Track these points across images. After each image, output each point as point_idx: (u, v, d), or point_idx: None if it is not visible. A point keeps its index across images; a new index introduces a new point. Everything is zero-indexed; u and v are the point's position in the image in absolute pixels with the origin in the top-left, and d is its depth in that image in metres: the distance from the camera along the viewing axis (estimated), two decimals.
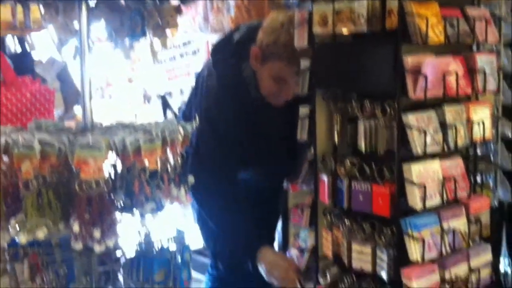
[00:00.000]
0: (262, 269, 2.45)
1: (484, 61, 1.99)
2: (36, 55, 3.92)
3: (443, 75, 1.86)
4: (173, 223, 2.92)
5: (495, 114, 2.34)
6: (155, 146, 1.87)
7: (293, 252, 2.38)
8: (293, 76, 2.39)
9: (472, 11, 1.97)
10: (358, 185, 1.94)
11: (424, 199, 1.83)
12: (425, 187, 1.83)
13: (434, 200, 1.87)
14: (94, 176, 1.79)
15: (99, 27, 2.71)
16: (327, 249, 2.07)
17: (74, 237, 1.81)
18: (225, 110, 2.55)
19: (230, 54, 2.59)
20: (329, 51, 2.03)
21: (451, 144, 1.91)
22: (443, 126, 1.90)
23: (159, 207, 1.92)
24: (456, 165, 1.96)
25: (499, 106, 2.50)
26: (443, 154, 1.93)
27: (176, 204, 1.98)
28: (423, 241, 1.84)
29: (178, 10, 2.71)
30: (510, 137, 2.65)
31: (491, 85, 2.02)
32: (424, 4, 1.84)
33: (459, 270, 1.96)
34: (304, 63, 2.09)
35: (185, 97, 3.03)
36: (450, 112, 1.92)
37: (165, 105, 4.97)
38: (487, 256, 2.07)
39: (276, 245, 3.01)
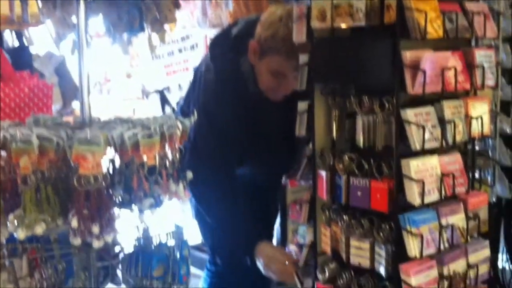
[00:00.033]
0: (260, 263, 2.45)
1: (482, 56, 1.99)
2: (34, 50, 3.91)
3: (441, 70, 1.86)
4: (172, 219, 2.93)
5: (493, 109, 2.34)
6: (153, 141, 1.87)
7: (291, 248, 2.39)
8: (292, 71, 2.38)
9: (470, 6, 1.97)
10: (356, 181, 1.94)
11: (422, 194, 1.83)
12: (423, 183, 1.83)
13: (432, 196, 1.87)
14: (93, 171, 1.79)
15: (97, 22, 2.71)
16: (326, 245, 2.07)
17: (73, 233, 1.81)
18: (223, 105, 2.55)
19: (228, 48, 2.59)
20: (328, 46, 2.03)
21: (450, 140, 1.91)
22: (442, 121, 1.90)
23: (157, 203, 1.92)
24: (454, 161, 1.96)
25: (497, 102, 2.50)
26: (442, 150, 1.93)
27: (174, 199, 1.98)
28: (422, 237, 1.84)
29: (176, 5, 2.71)
30: (509, 132, 2.65)
31: (490, 80, 2.01)
32: None
33: (457, 266, 1.97)
34: (303, 58, 2.09)
35: (184, 92, 3.04)
36: (449, 108, 1.91)
37: (164, 100, 4.97)
38: (485, 252, 2.07)
39: (274, 241, 3.02)
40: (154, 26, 2.71)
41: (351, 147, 2.01)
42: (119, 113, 4.30)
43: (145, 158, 1.88)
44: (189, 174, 2.02)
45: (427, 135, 1.84)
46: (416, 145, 1.83)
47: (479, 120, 1.99)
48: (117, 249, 2.06)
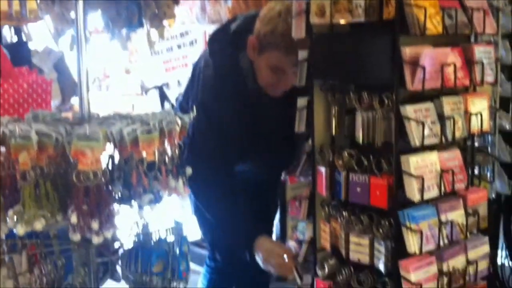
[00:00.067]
0: (259, 258, 2.45)
1: (482, 52, 1.99)
2: (32, 46, 3.91)
3: (441, 66, 1.85)
4: (171, 215, 2.93)
5: (492, 106, 2.34)
6: (152, 137, 1.87)
7: (291, 244, 2.38)
8: (291, 66, 2.38)
9: (470, 2, 1.97)
10: (356, 177, 1.94)
11: (422, 191, 1.83)
12: (423, 179, 1.83)
13: (432, 192, 1.87)
14: (92, 167, 1.78)
15: (96, 18, 2.70)
16: (325, 241, 2.07)
17: (72, 229, 1.80)
18: (221, 101, 2.54)
19: (227, 44, 2.58)
20: (327, 42, 2.03)
21: (449, 136, 1.91)
22: (441, 117, 1.90)
23: (157, 199, 1.92)
24: (454, 157, 1.96)
25: (496, 98, 2.50)
26: (441, 146, 1.93)
27: (174, 195, 1.98)
28: (421, 233, 1.84)
29: (175, 0, 2.71)
30: (508, 129, 2.65)
31: (489, 76, 2.01)
32: None
33: (457, 262, 1.97)
34: (302, 54, 2.09)
35: (183, 88, 3.03)
36: (448, 104, 1.91)
37: (163, 96, 4.97)
38: (485, 248, 2.07)
39: (274, 237, 3.02)
40: (153, 22, 2.71)
41: (350, 143, 2.01)
42: (118, 109, 4.29)
43: (144, 154, 1.87)
44: (188, 170, 2.02)
45: (426, 131, 1.84)
46: (415, 141, 1.83)
47: (479, 116, 1.99)
48: (116, 245, 2.06)
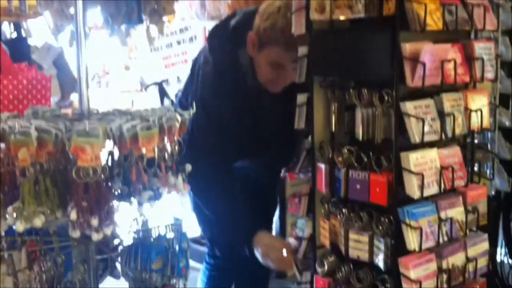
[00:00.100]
0: (258, 253, 2.44)
1: (482, 48, 1.98)
2: (32, 42, 3.90)
3: (441, 62, 1.85)
4: (171, 211, 2.92)
5: (492, 102, 2.34)
6: (152, 134, 1.86)
7: (290, 241, 2.38)
8: (291, 62, 2.38)
9: None
10: (355, 174, 1.94)
11: (421, 187, 1.83)
12: (422, 176, 1.83)
13: (431, 189, 1.87)
14: (91, 163, 1.78)
15: (96, 14, 2.70)
16: (325, 238, 2.07)
17: (72, 225, 1.80)
18: (221, 97, 2.54)
19: (226, 40, 2.58)
20: (327, 38, 2.02)
21: (449, 133, 1.91)
22: (441, 114, 1.89)
23: (156, 196, 1.92)
24: (453, 154, 1.95)
25: (496, 95, 2.50)
26: (441, 143, 1.92)
27: (173, 192, 1.98)
28: (421, 230, 1.84)
29: None
30: (508, 126, 2.65)
31: (489, 73, 2.01)
32: None
33: (456, 259, 1.97)
34: (302, 50, 2.08)
35: (182, 84, 3.03)
36: (448, 101, 1.91)
37: (162, 92, 4.96)
38: (484, 246, 2.07)
39: (273, 234, 3.02)
40: (153, 18, 2.71)
41: (350, 140, 2.01)
42: (118, 105, 4.30)
43: (144, 150, 1.87)
44: (188, 167, 2.02)
45: (426, 128, 1.84)
46: (415, 138, 1.82)
47: (479, 113, 1.99)
48: (116, 241, 2.05)
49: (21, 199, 1.81)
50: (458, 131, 1.93)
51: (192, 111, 2.04)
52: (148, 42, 2.87)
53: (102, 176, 1.80)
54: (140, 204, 1.91)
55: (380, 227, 1.90)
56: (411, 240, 1.84)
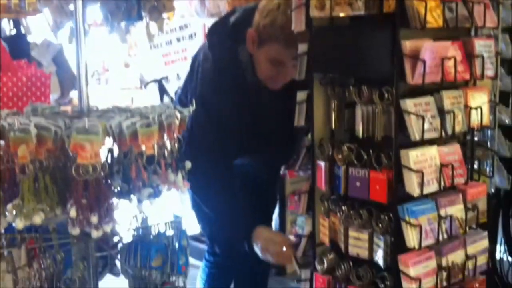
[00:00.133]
0: (257, 247, 2.44)
1: (482, 46, 1.98)
2: (31, 39, 3.90)
3: (441, 60, 1.85)
4: (170, 209, 2.92)
5: (492, 100, 2.34)
6: (152, 131, 1.86)
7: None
8: (290, 59, 2.38)
9: None
10: (355, 171, 1.94)
11: (421, 185, 1.83)
12: (422, 174, 1.83)
13: (431, 187, 1.87)
14: (91, 160, 1.77)
15: (95, 10, 2.69)
16: (324, 236, 2.07)
17: (71, 222, 1.80)
18: (221, 94, 2.53)
19: (226, 37, 2.57)
20: (327, 35, 2.02)
21: (449, 130, 1.91)
22: (441, 112, 1.89)
23: (156, 193, 1.92)
24: (453, 152, 1.95)
25: (496, 92, 2.49)
26: (441, 140, 1.92)
27: (173, 189, 1.97)
28: (420, 228, 1.84)
29: None
30: (508, 123, 2.65)
31: (489, 70, 2.01)
32: None
33: (456, 257, 1.97)
34: (302, 47, 2.08)
35: (182, 81, 3.03)
36: (448, 98, 1.91)
37: (162, 90, 4.96)
38: (484, 243, 2.07)
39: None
40: (152, 15, 2.70)
41: (350, 138, 2.01)
42: (117, 102, 4.29)
43: (143, 147, 1.87)
44: (188, 164, 2.02)
45: (426, 126, 1.84)
46: (415, 135, 1.82)
47: (479, 110, 1.98)
48: (115, 239, 2.06)
49: (20, 196, 1.81)
50: (458, 128, 1.93)
51: (192, 108, 2.04)
52: (147, 39, 2.86)
53: (102, 173, 1.80)
54: (139, 201, 1.91)
55: (380, 225, 1.90)
56: (411, 237, 1.84)
